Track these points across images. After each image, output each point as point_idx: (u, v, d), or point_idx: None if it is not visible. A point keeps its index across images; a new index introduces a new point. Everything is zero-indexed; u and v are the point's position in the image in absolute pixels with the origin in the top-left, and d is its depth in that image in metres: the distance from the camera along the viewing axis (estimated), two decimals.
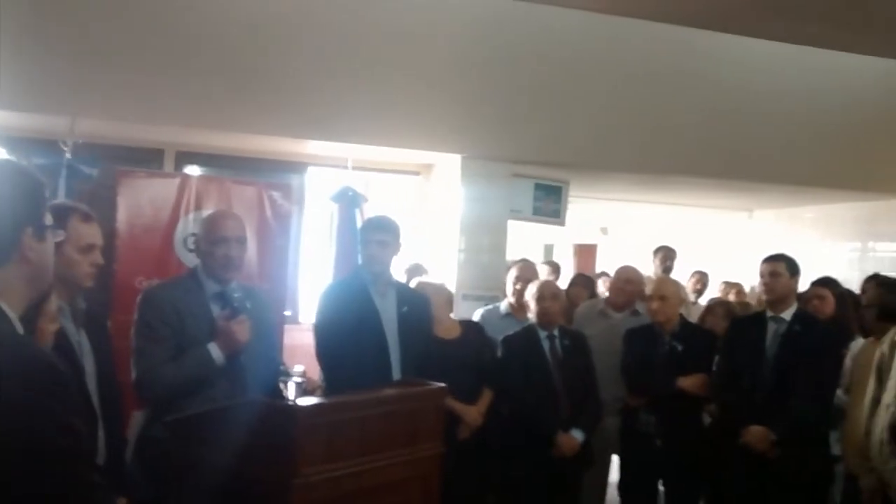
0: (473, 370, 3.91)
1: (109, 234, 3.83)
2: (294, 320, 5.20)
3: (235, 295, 2.88)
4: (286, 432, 2.29)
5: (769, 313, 3.90)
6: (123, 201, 4.33)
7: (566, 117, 5.71)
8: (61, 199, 3.85)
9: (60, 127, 4.57)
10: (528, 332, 4.04)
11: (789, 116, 6.28)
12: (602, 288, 6.35)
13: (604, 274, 7.44)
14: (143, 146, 5.39)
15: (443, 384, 2.88)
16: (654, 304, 4.11)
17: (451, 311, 4.16)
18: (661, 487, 4.18)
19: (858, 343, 4.08)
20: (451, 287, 4.73)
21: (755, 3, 5.48)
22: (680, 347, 4.05)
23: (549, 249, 10.64)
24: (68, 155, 4.43)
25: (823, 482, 3.89)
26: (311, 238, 5.77)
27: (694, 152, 6.11)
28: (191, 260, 3.84)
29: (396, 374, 3.45)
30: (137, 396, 2.87)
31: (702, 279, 6.79)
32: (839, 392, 3.94)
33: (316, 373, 3.53)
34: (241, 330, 2.81)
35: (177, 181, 4.56)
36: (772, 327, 3.85)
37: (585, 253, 11.17)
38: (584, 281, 6.22)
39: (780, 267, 3.89)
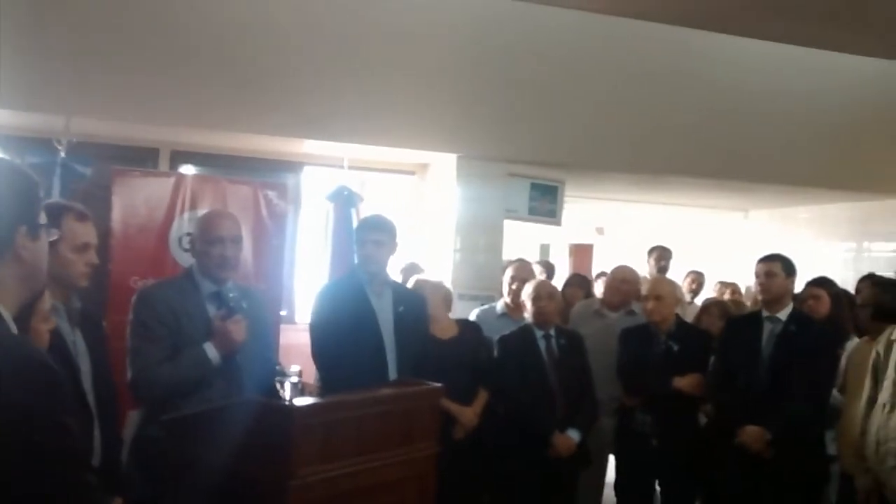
0: (470, 370, 3.91)
1: (104, 233, 3.82)
2: (290, 320, 5.21)
3: (231, 295, 2.88)
4: (282, 432, 2.28)
5: (765, 313, 3.90)
6: (118, 200, 4.33)
7: (562, 117, 5.72)
8: (56, 198, 3.85)
9: (55, 126, 4.56)
10: (525, 332, 4.04)
11: (785, 116, 6.29)
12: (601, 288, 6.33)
13: (602, 274, 7.42)
14: (138, 145, 5.37)
15: (439, 384, 2.88)
16: (650, 304, 4.11)
17: (448, 310, 4.14)
18: (657, 487, 4.19)
19: (853, 343, 4.09)
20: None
21: (752, 3, 5.49)
22: (675, 347, 4.05)
23: (545, 249, 10.64)
24: (63, 154, 4.42)
25: (819, 482, 3.89)
26: (307, 238, 5.77)
27: (690, 152, 6.12)
28: (186, 259, 3.84)
29: (393, 373, 3.45)
30: (133, 396, 2.86)
31: (697, 279, 6.78)
32: (834, 392, 3.95)
33: (312, 373, 3.53)
34: (237, 330, 2.81)
35: (172, 180, 4.55)
36: (767, 327, 3.85)
37: (581, 253, 11.17)
38: (579, 281, 6.21)
39: (776, 267, 3.89)
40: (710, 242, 8.78)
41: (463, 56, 5.41)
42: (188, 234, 4.04)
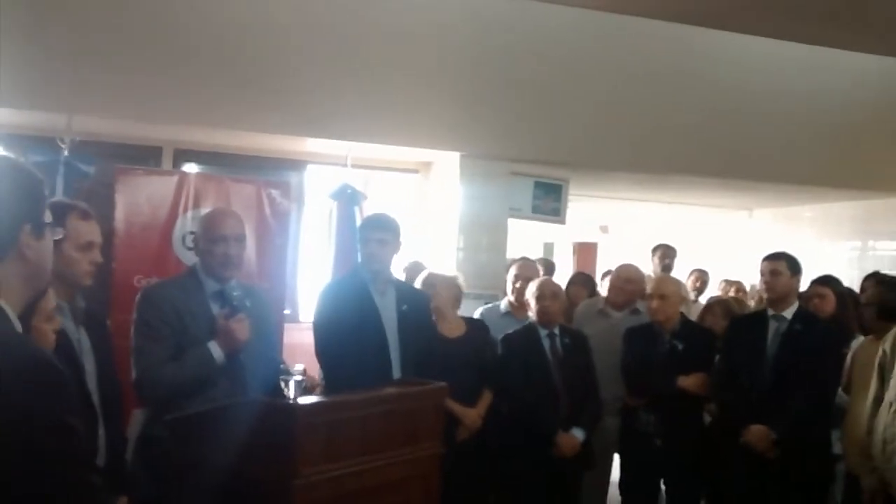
0: (476, 369, 3.90)
1: (108, 232, 3.82)
2: (294, 319, 5.19)
3: (235, 293, 2.87)
4: (286, 431, 2.28)
5: (770, 312, 3.89)
6: (122, 199, 4.32)
7: (565, 116, 5.70)
8: (59, 196, 3.84)
9: (58, 124, 4.56)
10: (529, 331, 4.03)
11: (788, 115, 6.28)
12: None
13: (608, 273, 7.40)
14: (141, 144, 5.37)
15: (443, 383, 2.87)
16: (655, 303, 4.10)
17: (458, 306, 4.10)
18: (662, 487, 4.18)
19: (858, 341, 4.08)
20: None
21: (754, 0, 5.47)
22: (680, 346, 4.03)
23: (548, 248, 10.62)
24: (66, 152, 4.41)
25: (824, 482, 3.88)
26: (311, 236, 5.76)
27: (693, 151, 6.11)
28: (189, 258, 3.83)
29: (396, 372, 3.44)
30: (138, 396, 2.85)
31: (701, 277, 6.77)
32: (839, 391, 3.94)
33: (316, 371, 3.52)
34: (241, 328, 2.80)
35: (175, 179, 4.54)
36: (773, 326, 3.84)
37: (585, 251, 11.15)
38: (583, 280, 6.19)
39: (781, 265, 3.88)
40: (715, 241, 8.78)
41: (466, 55, 5.40)
42: (191, 233, 4.03)
